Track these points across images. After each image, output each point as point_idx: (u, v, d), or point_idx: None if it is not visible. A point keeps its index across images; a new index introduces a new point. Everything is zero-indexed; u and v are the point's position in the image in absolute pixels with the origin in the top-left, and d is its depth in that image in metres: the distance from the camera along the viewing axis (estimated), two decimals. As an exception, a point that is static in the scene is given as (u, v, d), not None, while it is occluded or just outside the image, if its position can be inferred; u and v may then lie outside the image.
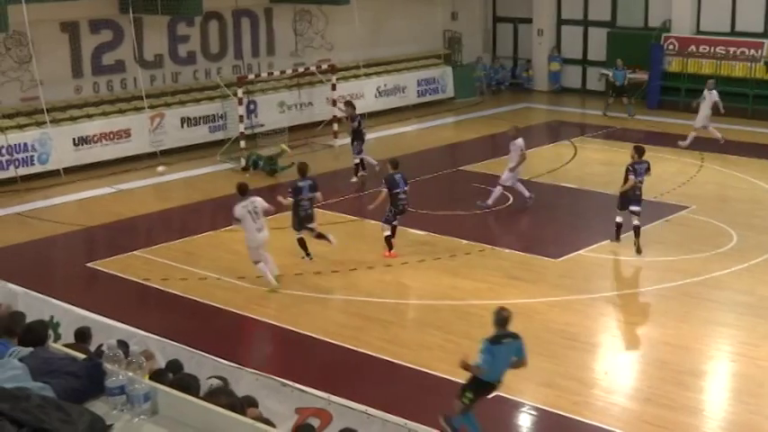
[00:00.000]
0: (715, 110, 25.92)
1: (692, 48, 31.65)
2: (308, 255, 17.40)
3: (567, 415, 11.89)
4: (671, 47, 32.02)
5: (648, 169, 18.23)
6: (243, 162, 24.41)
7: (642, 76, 32.02)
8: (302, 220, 17.36)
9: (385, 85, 31.41)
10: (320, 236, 17.49)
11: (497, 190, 20.79)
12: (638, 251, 17.76)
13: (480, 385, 10.99)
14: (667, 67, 31.90)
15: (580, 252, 18.03)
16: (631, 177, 17.97)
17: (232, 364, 8.36)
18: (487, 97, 34.50)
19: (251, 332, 15.00)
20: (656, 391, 12.49)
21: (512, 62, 36.71)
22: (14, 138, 23.20)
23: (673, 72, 31.77)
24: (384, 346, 13.71)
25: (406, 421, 6.78)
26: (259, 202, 16.12)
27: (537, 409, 12.08)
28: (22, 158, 23.35)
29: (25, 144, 23.41)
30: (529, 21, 35.65)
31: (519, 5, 35.78)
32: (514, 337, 10.88)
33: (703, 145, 25.99)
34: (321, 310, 15.52)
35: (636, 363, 13.81)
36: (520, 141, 20.79)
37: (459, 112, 32.14)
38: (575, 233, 19.36)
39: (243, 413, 5.63)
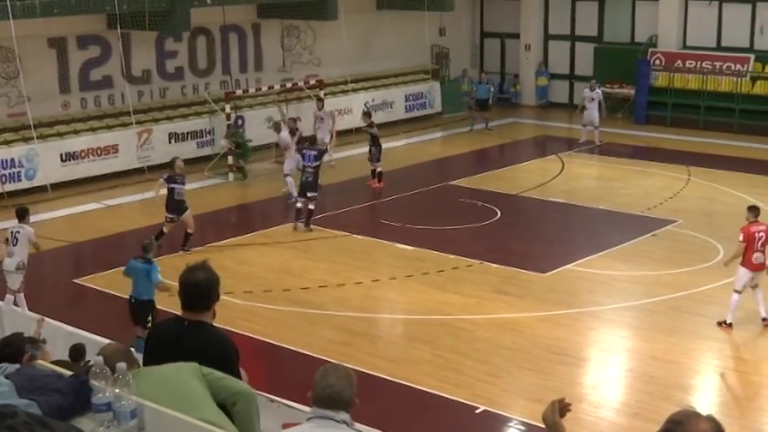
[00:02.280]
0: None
1: (679, 63, 31.80)
2: None
3: (556, 430, 11.87)
4: (657, 62, 32.16)
5: None
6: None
7: (628, 91, 32.20)
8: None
9: (373, 101, 31.44)
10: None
11: (289, 181, 22.78)
12: None
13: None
14: (654, 83, 32.02)
15: (568, 266, 18.06)
16: None
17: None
18: (475, 112, 34.57)
19: (238, 347, 14.94)
20: (645, 405, 12.50)
21: (499, 77, 36.81)
22: (1, 153, 23.16)
23: (659, 87, 31.90)
24: (372, 361, 13.70)
25: (394, 437, 6.78)
26: (24, 230, 15.85)
27: (525, 423, 12.07)
28: (9, 174, 23.30)
29: (12, 160, 23.37)
30: (516, 36, 35.78)
31: (506, 21, 35.93)
32: (147, 261, 14.05)
33: (690, 159, 26.11)
34: (308, 325, 15.49)
35: (624, 377, 13.83)
36: (284, 134, 23.60)
37: (446, 127, 32.20)
38: (562, 247, 19.39)
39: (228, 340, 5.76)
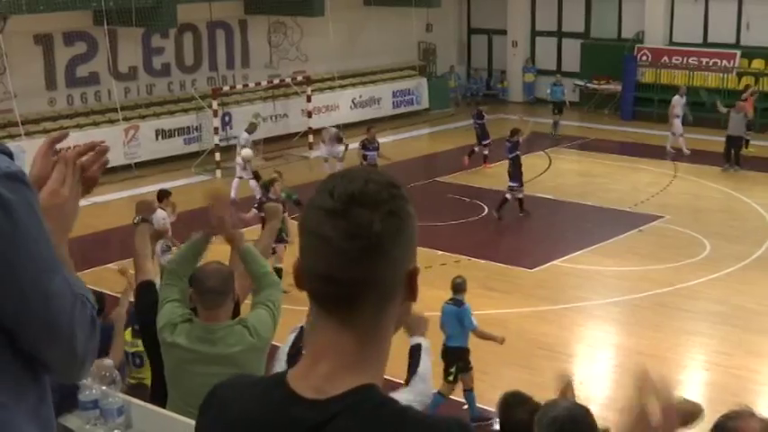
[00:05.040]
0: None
1: (665, 59, 31.88)
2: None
3: (543, 425, 11.91)
4: (644, 58, 32.24)
5: None
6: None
7: (615, 87, 32.25)
8: None
9: (360, 97, 31.45)
10: None
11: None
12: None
13: None
14: (641, 79, 32.10)
15: (555, 262, 18.10)
16: None
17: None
18: (462, 108, 34.59)
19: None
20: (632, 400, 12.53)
21: (486, 73, 36.85)
22: (-13, 150, 23.08)
23: (646, 83, 31.98)
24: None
25: None
26: (155, 215, 15.69)
27: (513, 419, 12.09)
28: (-4, 171, 23.19)
29: (-2, 157, 23.30)
30: (503, 32, 35.80)
31: (493, 17, 35.92)
32: (457, 303, 12.17)
33: (677, 155, 26.17)
34: (294, 321, 15.46)
35: (611, 372, 13.87)
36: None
37: (433, 123, 32.21)
38: (550, 243, 19.43)
39: None
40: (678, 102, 27.21)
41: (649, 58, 32.10)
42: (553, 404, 4.93)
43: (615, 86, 32.25)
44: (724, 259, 17.98)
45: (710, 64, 31.07)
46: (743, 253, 18.31)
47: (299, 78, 28.67)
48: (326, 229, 1.96)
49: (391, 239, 1.99)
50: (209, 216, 6.08)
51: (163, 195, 16.25)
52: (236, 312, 6.00)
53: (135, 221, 6.81)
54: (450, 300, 12.23)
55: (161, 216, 15.78)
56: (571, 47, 34.26)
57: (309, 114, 27.94)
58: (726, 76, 30.61)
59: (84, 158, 2.58)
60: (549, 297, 16.33)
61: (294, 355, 6.12)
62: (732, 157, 24.75)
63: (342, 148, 24.57)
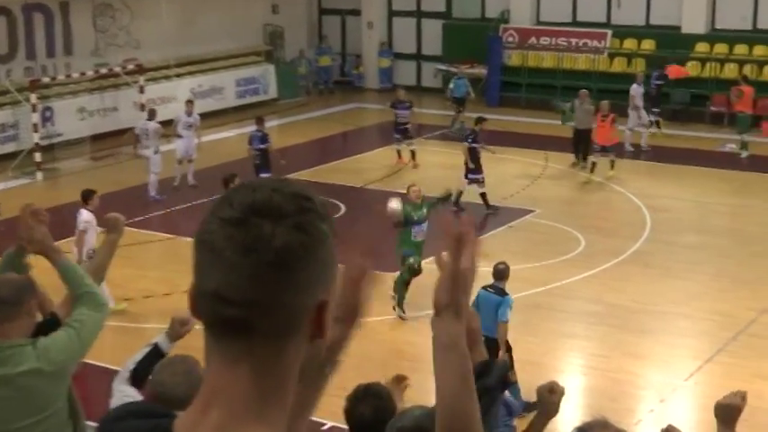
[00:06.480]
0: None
1: (533, 40, 32.53)
2: None
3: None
4: (510, 39, 32.83)
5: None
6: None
7: (479, 71, 32.68)
8: None
9: (200, 86, 31.09)
10: None
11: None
12: None
13: None
14: (507, 61, 32.67)
15: (419, 264, 18.22)
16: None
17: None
18: (314, 97, 34.61)
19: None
20: (505, 411, 12.72)
21: (340, 58, 36.90)
22: None
23: (513, 66, 32.57)
24: (206, 378, 13.51)
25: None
26: (79, 217, 15.92)
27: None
28: None
29: None
30: (357, 13, 35.93)
31: (346, -4, 36.05)
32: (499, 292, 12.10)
33: (547, 144, 26.68)
34: (134, 341, 15.18)
35: (482, 382, 14.04)
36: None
37: (283, 114, 32.10)
38: (413, 244, 19.53)
39: None
40: (637, 91, 26.70)
41: (516, 39, 32.71)
42: (403, 413, 5.05)
43: (480, 70, 32.70)
44: (599, 255, 18.45)
45: (581, 44, 31.86)
46: (618, 248, 18.82)
47: (130, 67, 28.20)
48: (219, 240, 1.86)
49: (295, 258, 1.88)
50: (20, 228, 5.95)
51: (87, 195, 15.97)
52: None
53: None
54: (490, 286, 12.13)
55: (85, 218, 15.49)
56: (431, 28, 34.62)
57: (143, 107, 27.46)
58: (597, 57, 31.42)
59: None
60: (413, 303, 16.41)
61: (141, 378, 6.01)
62: (582, 152, 24.87)
63: (196, 141, 24.19)
